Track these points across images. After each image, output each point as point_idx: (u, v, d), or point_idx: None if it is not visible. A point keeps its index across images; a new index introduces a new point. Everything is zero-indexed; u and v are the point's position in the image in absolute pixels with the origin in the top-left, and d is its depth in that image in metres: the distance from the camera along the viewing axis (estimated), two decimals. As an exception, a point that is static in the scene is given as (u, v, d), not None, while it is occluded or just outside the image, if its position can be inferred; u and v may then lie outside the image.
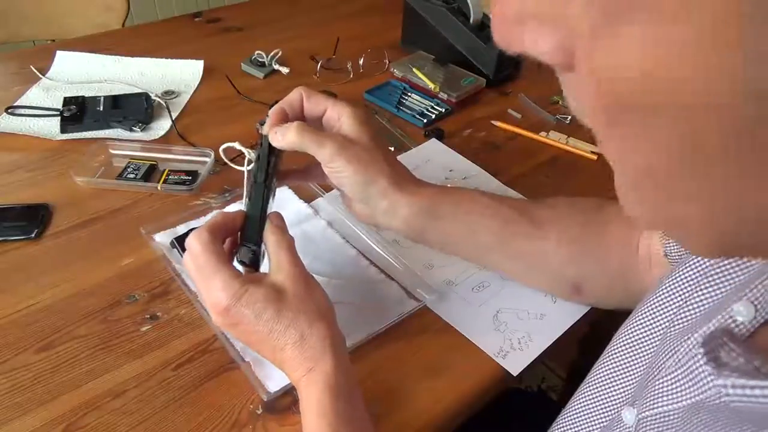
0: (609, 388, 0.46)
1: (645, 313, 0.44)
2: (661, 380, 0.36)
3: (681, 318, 0.40)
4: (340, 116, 0.54)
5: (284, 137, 0.51)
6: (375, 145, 0.54)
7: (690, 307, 0.40)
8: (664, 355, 0.39)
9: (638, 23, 0.17)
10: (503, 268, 0.62)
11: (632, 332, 0.45)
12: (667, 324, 0.41)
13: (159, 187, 0.74)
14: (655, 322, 0.43)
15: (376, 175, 0.53)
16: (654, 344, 0.43)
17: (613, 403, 0.45)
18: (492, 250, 0.59)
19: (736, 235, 0.23)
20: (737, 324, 0.33)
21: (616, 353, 0.46)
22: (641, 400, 0.38)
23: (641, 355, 0.44)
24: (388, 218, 0.55)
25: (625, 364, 0.45)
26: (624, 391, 0.44)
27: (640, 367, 0.44)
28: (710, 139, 0.19)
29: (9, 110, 0.86)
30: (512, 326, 0.59)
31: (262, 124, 0.53)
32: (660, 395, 0.35)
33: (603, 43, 0.19)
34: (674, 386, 0.35)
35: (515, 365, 0.56)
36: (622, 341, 0.46)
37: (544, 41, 0.20)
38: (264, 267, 0.52)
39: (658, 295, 0.43)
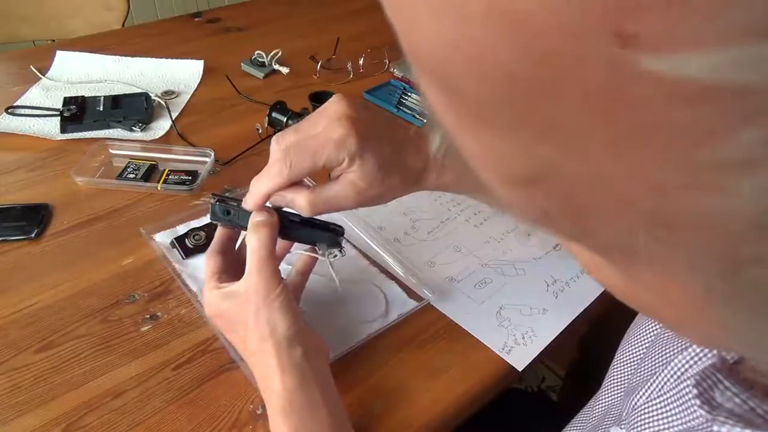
0: (598, 400, 0.45)
1: (637, 323, 0.44)
2: (650, 402, 0.36)
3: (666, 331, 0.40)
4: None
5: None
6: (373, 135, 0.47)
7: None
8: (649, 369, 0.39)
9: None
10: None
11: (625, 342, 0.45)
12: (657, 332, 0.41)
13: (159, 187, 0.74)
14: (644, 332, 0.43)
15: (406, 159, 0.48)
16: (639, 356, 0.42)
17: (601, 416, 0.44)
18: None
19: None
20: None
21: (614, 363, 0.46)
22: (629, 421, 0.37)
23: (627, 367, 0.44)
24: (440, 185, 0.52)
25: (612, 375, 0.45)
26: (610, 403, 0.44)
27: (623, 380, 0.43)
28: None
29: (9, 110, 0.86)
30: (516, 322, 0.59)
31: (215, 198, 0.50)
32: (650, 419, 0.35)
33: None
34: (664, 411, 0.34)
35: (520, 360, 0.56)
36: (619, 351, 0.45)
37: None
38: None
39: None
